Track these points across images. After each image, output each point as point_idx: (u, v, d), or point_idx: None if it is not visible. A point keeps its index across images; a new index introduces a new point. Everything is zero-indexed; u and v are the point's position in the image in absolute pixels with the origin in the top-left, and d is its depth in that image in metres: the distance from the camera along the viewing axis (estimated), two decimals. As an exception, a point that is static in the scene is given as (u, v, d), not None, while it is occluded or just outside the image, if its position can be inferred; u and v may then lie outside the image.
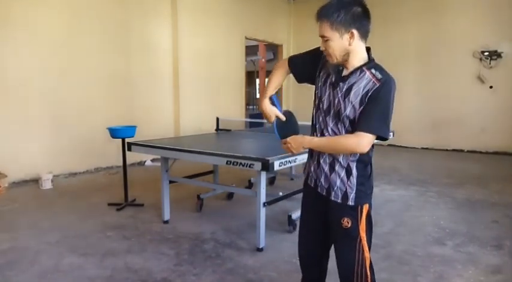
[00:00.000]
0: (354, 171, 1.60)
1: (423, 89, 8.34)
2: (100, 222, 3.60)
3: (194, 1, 7.22)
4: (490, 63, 7.60)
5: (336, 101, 1.57)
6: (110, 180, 5.38)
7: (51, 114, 5.35)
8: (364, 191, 1.62)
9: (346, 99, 1.54)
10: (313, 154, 1.71)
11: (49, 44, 5.25)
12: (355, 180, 1.60)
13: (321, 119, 1.66)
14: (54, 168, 5.25)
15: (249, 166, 2.67)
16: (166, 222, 3.60)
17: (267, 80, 1.94)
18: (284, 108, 2.54)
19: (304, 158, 2.89)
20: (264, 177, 2.88)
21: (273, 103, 1.80)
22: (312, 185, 1.73)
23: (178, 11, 6.88)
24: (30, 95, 5.11)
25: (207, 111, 7.53)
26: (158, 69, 6.79)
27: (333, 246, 1.74)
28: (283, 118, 1.79)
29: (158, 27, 6.74)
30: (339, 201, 1.62)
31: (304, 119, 2.18)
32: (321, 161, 1.66)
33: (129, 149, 3.52)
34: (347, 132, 1.57)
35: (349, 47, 1.51)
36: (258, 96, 19.66)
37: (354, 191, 1.60)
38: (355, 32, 1.49)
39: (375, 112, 1.50)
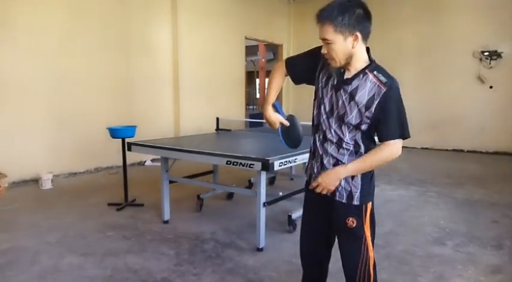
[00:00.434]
0: None
1: (423, 89, 8.34)
2: (100, 222, 3.60)
3: (194, 1, 7.23)
4: (490, 63, 7.60)
5: (340, 104, 1.56)
6: (110, 180, 5.38)
7: (51, 114, 5.35)
8: (368, 189, 1.64)
9: (352, 103, 1.53)
10: (316, 155, 1.70)
11: (49, 44, 5.24)
12: (359, 180, 1.61)
13: (323, 120, 1.65)
14: (54, 168, 5.25)
15: (249, 166, 2.67)
16: (166, 222, 3.60)
17: (267, 80, 1.94)
18: (284, 108, 2.55)
19: (304, 158, 2.90)
20: (264, 177, 2.88)
21: (276, 110, 1.80)
22: None
23: (178, 11, 6.89)
24: (30, 95, 5.11)
25: (207, 111, 7.53)
26: (158, 70, 6.79)
27: (336, 246, 1.75)
28: (288, 124, 1.79)
29: (158, 27, 6.74)
30: (343, 201, 1.63)
31: (304, 119, 2.18)
32: (325, 162, 1.66)
33: (129, 149, 3.52)
34: (351, 134, 1.57)
35: (352, 50, 1.50)
36: (258, 96, 19.69)
37: (359, 191, 1.61)
38: (359, 34, 1.47)
39: (392, 119, 1.51)
